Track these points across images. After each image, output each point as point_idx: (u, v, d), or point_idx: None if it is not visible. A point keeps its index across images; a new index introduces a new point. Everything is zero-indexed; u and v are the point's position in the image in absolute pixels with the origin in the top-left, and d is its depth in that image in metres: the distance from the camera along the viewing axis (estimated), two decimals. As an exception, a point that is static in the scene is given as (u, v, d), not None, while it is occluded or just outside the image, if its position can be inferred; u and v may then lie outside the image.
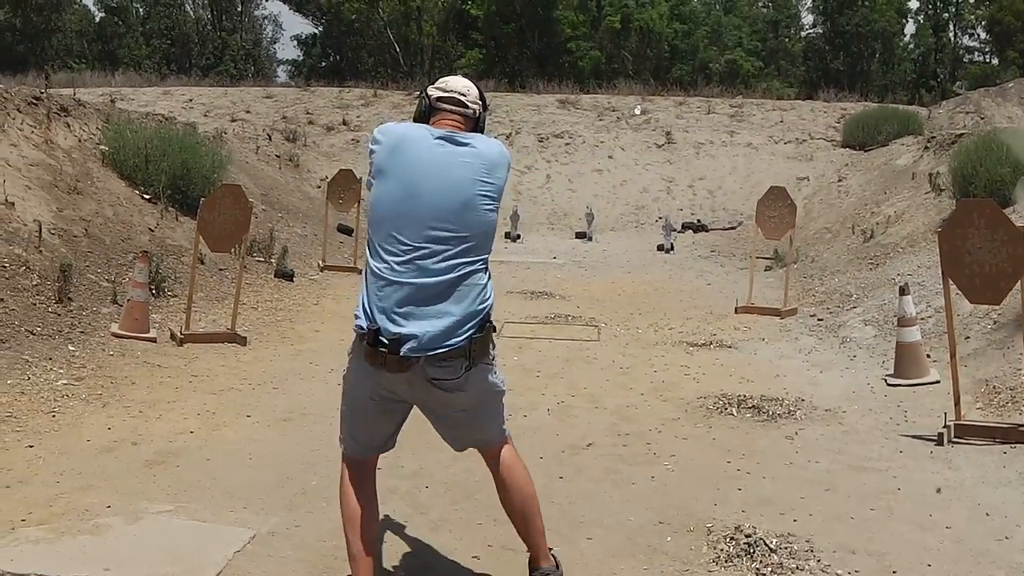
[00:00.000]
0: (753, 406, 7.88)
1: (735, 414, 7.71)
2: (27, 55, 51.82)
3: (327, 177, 19.84)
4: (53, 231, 10.78)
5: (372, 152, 4.10)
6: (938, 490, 5.98)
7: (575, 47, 52.48)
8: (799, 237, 17.00)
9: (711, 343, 10.81)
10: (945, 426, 7.01)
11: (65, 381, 7.94)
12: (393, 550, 5.04)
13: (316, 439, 6.78)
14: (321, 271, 15.57)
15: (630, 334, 11.36)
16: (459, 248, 3.94)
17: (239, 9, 64.87)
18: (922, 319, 10.09)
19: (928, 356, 9.06)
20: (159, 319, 10.43)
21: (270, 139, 25.35)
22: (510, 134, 27.40)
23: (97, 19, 62.55)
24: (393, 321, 3.89)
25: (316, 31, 63.20)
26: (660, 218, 22.84)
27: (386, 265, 3.95)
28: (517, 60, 50.23)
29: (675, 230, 21.79)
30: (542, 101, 30.62)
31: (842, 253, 16.72)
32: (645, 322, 12.11)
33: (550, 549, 4.49)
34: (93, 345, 9.04)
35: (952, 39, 63.14)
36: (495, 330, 4.17)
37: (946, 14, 62.26)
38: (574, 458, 6.59)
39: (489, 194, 4.01)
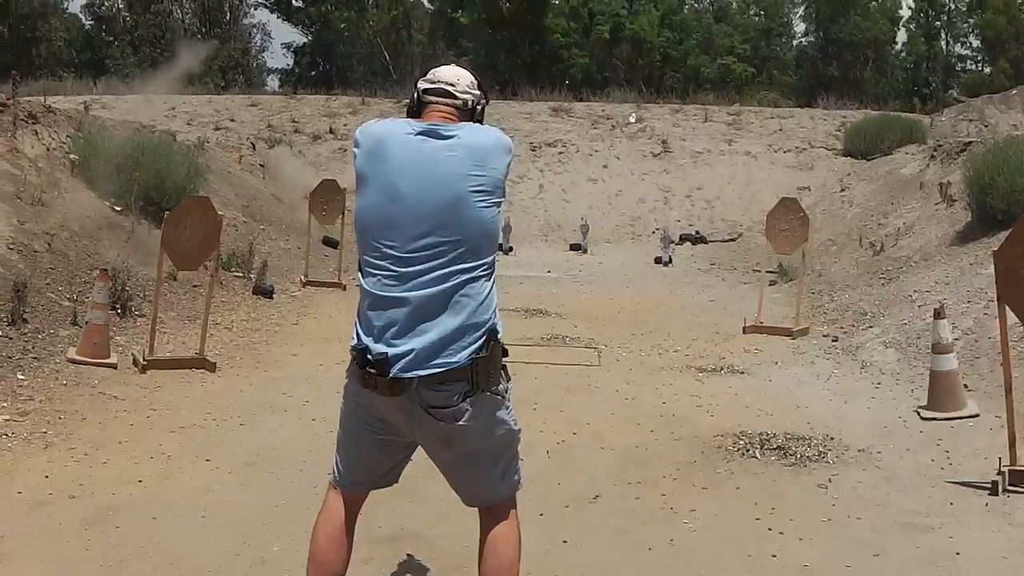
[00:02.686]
0: (778, 447, 6.99)
1: (758, 457, 6.83)
2: (13, 64, 50.96)
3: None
4: (12, 245, 10.00)
5: (355, 157, 3.64)
6: (1004, 557, 5.14)
7: (567, 55, 51.84)
8: (804, 250, 16.21)
9: (721, 368, 9.97)
10: (1000, 472, 6.16)
11: (7, 416, 7.06)
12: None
13: (283, 491, 5.91)
14: (303, 287, 14.73)
15: (633, 357, 10.52)
16: (453, 254, 3.44)
17: (228, 18, 64.08)
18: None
19: (965, 386, 8.21)
20: (123, 342, 9.61)
21: (254, 148, 24.64)
22: (501, 143, 26.57)
23: (85, 27, 61.76)
24: (382, 340, 3.44)
25: (305, 39, 62.55)
26: (657, 229, 22.18)
27: (374, 279, 3.50)
28: (508, 68, 49.47)
29: (673, 242, 21.05)
30: (534, 109, 29.90)
31: (850, 267, 15.94)
32: (648, 343, 11.28)
33: None
34: (45, 373, 8.18)
35: (944, 47, 62.62)
36: (506, 353, 3.59)
37: (938, 22, 61.73)
38: (580, 515, 5.70)
39: (483, 188, 3.47)
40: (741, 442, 7.14)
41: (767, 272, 14.31)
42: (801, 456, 6.81)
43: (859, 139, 24.55)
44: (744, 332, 11.99)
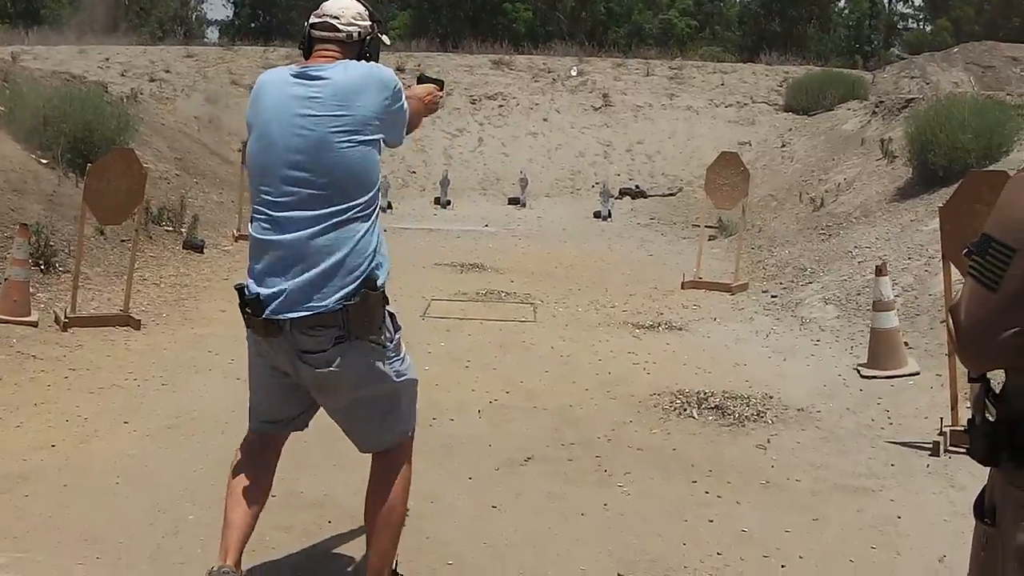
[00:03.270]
0: (716, 406, 6.78)
1: (696, 416, 6.62)
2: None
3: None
4: (-71, 201, 9.54)
5: None
6: (946, 520, 4.98)
7: (510, 8, 51.30)
8: (744, 205, 16.04)
9: (659, 324, 9.75)
10: (941, 433, 6.01)
11: (-85, 377, 6.73)
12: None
13: (202, 454, 5.63)
14: (235, 241, 14.30)
15: (569, 313, 10.28)
16: (321, 197, 3.45)
17: (165, -33, 62.80)
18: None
19: (905, 344, 8.07)
20: (46, 299, 9.22)
21: (189, 99, 24.05)
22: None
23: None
24: (258, 280, 3.50)
25: (246, -10, 61.46)
26: (597, 183, 21.83)
27: (255, 224, 3.58)
28: (450, 21, 48.82)
29: (613, 196, 20.77)
30: (475, 62, 29.38)
31: (791, 222, 15.79)
32: (585, 299, 11.03)
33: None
34: (-39, 331, 7.81)
35: (887, 5, 62.95)
36: (387, 301, 3.58)
37: (882, -22, 61.95)
38: (511, 478, 5.46)
39: (345, 128, 3.44)
40: (678, 401, 6.93)
41: (707, 227, 14.10)
42: (739, 416, 6.62)
43: (801, 95, 24.31)
44: (683, 288, 11.78)
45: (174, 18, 57.86)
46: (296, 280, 3.41)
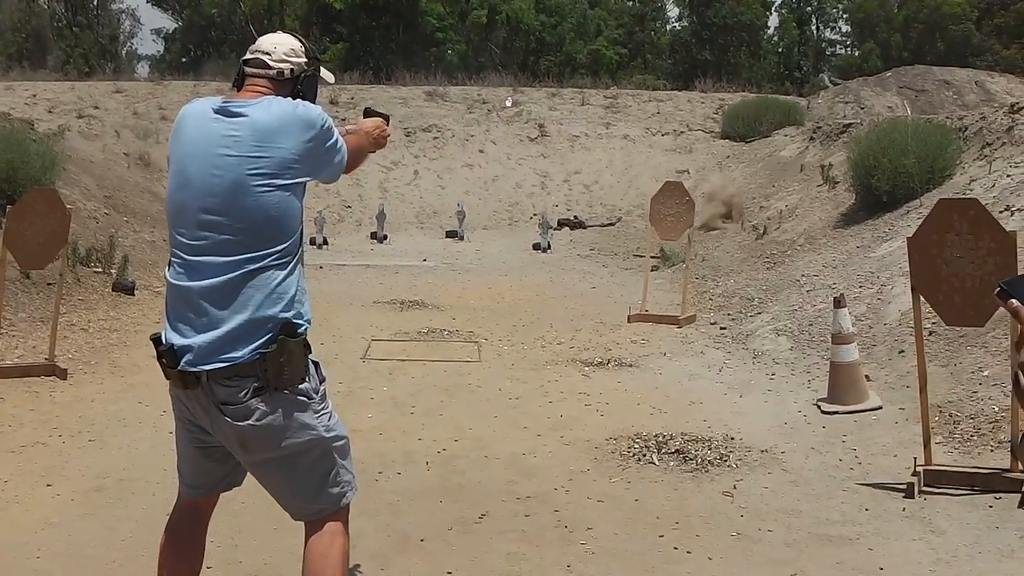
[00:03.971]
0: (677, 450, 6.43)
1: (656, 463, 6.26)
2: None
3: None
4: None
5: None
6: (931, 570, 4.67)
7: (443, 37, 51.21)
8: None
9: (608, 361, 9.41)
10: (914, 473, 5.71)
11: None
12: None
13: (131, 520, 5.20)
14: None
15: (515, 351, 9.92)
16: (236, 243, 3.22)
17: (95, 3, 62.02)
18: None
19: (866, 377, 7.79)
20: (-35, 348, 8.75)
21: (118, 136, 23.52)
22: (375, 128, 25.88)
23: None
24: (172, 328, 3.27)
25: (176, 25, 60.92)
26: (535, 215, 21.58)
27: (171, 269, 3.33)
28: (383, 54, 48.53)
29: (552, 227, 20.47)
30: (409, 94, 29.08)
31: (734, 251, 15.59)
32: (531, 335, 10.69)
33: None
34: None
35: (815, 32, 63.77)
36: (309, 350, 3.34)
37: (808, 8, 62.72)
38: (465, 538, 5.05)
39: (263, 171, 3.21)
40: (636, 446, 6.58)
41: (651, 257, 13.82)
42: (702, 460, 6.27)
43: (738, 121, 24.28)
44: (629, 321, 11.47)
45: (103, 54, 57.26)
46: (211, 331, 3.20)
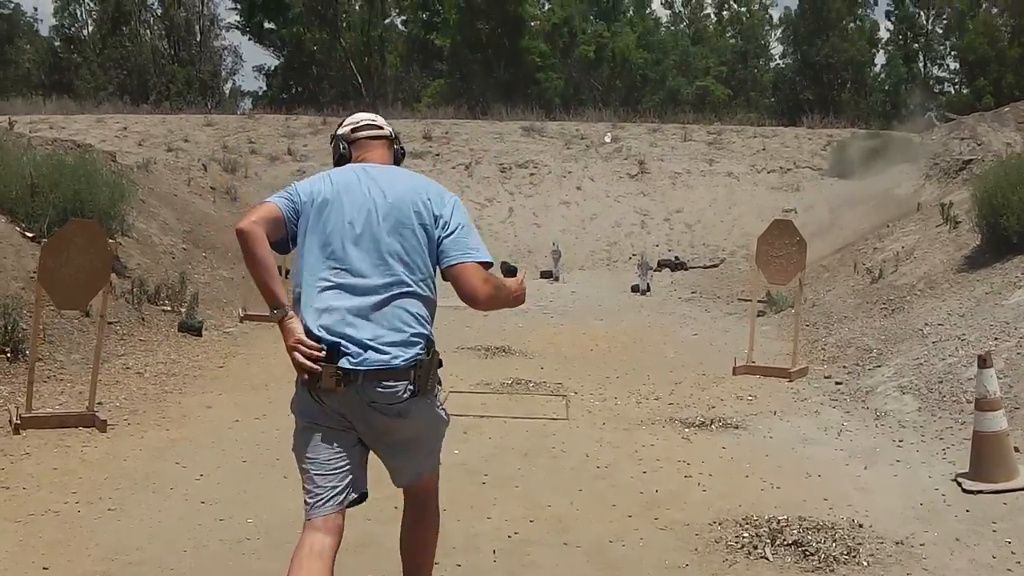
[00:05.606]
0: (794, 541, 5.34)
1: (769, 558, 5.20)
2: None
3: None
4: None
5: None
6: None
7: (544, 77, 50.72)
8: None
9: (712, 421, 8.38)
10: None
11: None
12: None
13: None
14: (241, 321, 13.15)
15: (607, 408, 8.94)
16: (394, 265, 3.74)
17: (197, 40, 62.83)
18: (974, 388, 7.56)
19: (1016, 449, 6.67)
20: (7, 393, 8.12)
21: (205, 169, 23.26)
22: (469, 164, 25.27)
23: (56, 48, 60.63)
24: (331, 333, 3.63)
25: (277, 62, 61.46)
26: (634, 255, 20.74)
27: (322, 283, 3.75)
28: (482, 90, 48.18)
29: (651, 268, 19.58)
30: (505, 129, 28.44)
31: (847, 296, 14.44)
32: (625, 389, 9.71)
33: None
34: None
35: (923, 69, 62.14)
36: (440, 364, 3.82)
37: (916, 44, 61.19)
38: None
39: (421, 216, 3.80)
40: (745, 535, 5.50)
41: (757, 302, 12.75)
42: (825, 556, 5.17)
43: (847, 158, 23.26)
44: (734, 374, 10.45)
45: (202, 89, 57.92)
46: (371, 338, 3.59)
